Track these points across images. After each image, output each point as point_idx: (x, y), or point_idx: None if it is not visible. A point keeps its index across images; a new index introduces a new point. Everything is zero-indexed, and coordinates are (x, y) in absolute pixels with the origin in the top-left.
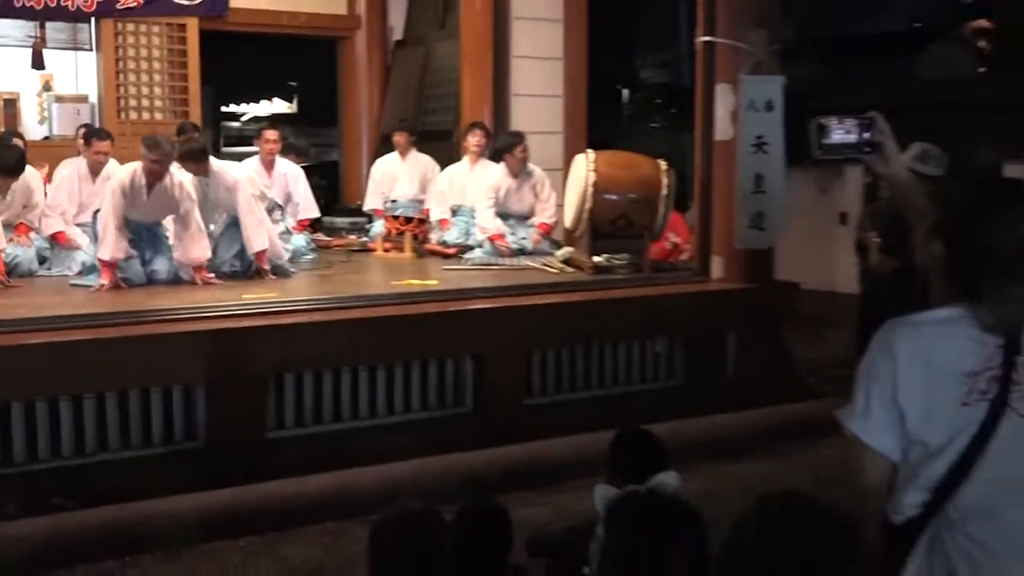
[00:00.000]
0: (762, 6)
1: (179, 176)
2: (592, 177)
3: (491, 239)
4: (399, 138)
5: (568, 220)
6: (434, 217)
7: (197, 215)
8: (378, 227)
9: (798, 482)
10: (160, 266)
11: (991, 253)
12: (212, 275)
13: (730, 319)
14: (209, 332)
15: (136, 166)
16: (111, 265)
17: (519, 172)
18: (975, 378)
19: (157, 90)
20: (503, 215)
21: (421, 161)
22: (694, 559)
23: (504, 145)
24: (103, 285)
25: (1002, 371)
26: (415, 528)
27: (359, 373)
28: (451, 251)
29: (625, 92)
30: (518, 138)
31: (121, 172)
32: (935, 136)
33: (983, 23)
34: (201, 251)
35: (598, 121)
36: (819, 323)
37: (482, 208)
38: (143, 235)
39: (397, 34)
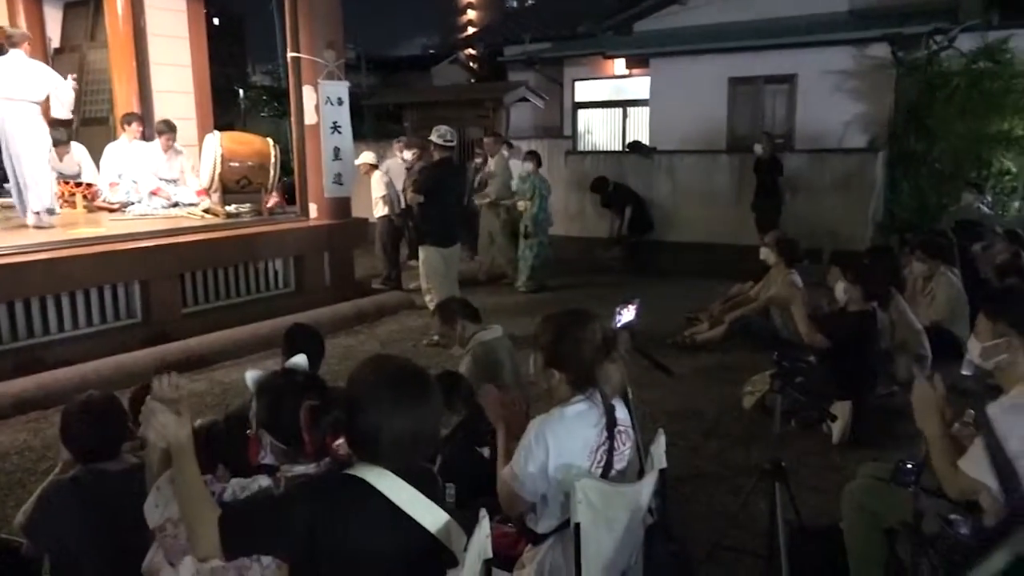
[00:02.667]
0: (331, 33)
1: None
2: (220, 151)
3: (152, 192)
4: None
5: (205, 182)
6: (104, 182)
7: None
8: None
9: (374, 347)
10: None
11: (579, 361)
12: None
13: (324, 245)
14: None
15: None
16: None
17: (168, 149)
18: (595, 452)
19: None
20: (160, 179)
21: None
22: (318, 409)
23: (159, 129)
24: None
25: (608, 444)
26: (95, 410)
27: (51, 299)
28: (116, 207)
29: (241, 91)
30: (170, 127)
31: None
32: (447, 121)
33: (471, 52)
34: None
35: (222, 112)
36: (369, 244)
37: (146, 173)
38: None
39: (55, 43)
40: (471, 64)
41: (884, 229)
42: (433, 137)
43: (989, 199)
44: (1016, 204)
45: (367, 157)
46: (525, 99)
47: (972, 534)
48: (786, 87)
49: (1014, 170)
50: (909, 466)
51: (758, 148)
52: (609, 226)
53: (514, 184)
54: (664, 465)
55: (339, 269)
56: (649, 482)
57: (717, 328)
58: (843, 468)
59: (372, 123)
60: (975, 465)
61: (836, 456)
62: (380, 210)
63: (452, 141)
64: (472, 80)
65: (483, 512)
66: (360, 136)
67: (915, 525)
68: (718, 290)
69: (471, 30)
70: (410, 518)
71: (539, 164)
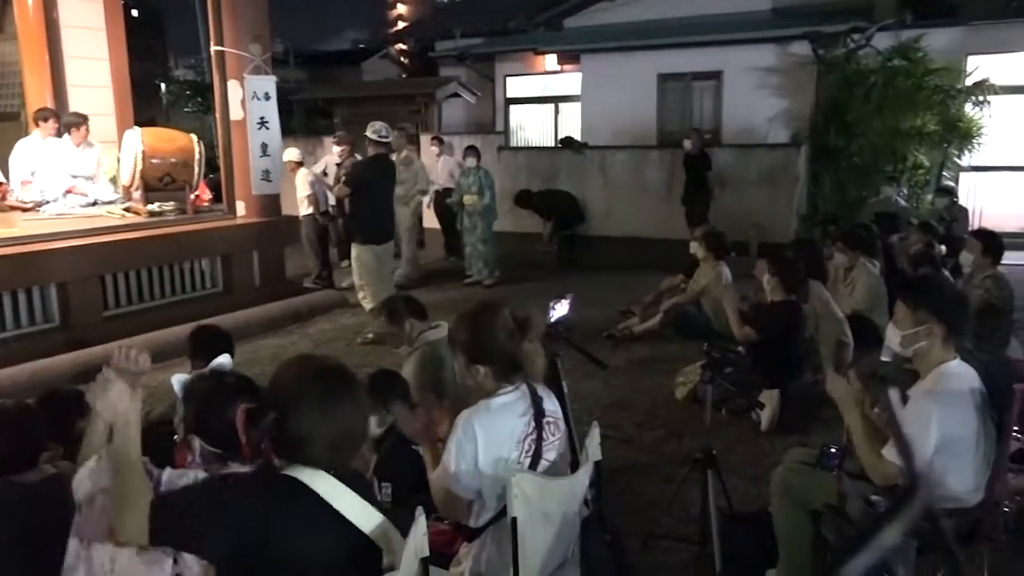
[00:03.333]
0: (257, 27)
1: None
2: (141, 148)
3: (67, 191)
4: None
5: (125, 179)
6: (15, 180)
7: None
8: None
9: (307, 347)
10: None
11: (499, 350)
12: None
13: (254, 243)
14: None
15: None
16: None
17: (81, 143)
18: (523, 442)
19: None
20: (73, 176)
21: None
22: (254, 411)
23: (69, 123)
24: None
25: (536, 433)
26: (9, 420)
27: None
28: (29, 206)
29: (163, 86)
30: (81, 118)
31: None
32: (378, 116)
33: (402, 47)
34: None
35: (143, 107)
36: (300, 242)
37: (59, 170)
38: None
39: None
40: (402, 59)
41: (808, 221)
42: (368, 133)
43: (905, 192)
44: (929, 196)
45: (292, 154)
46: (457, 95)
47: None
48: (713, 83)
49: (927, 164)
50: (833, 450)
51: (687, 143)
52: (542, 225)
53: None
54: (599, 457)
55: (269, 268)
56: (584, 474)
57: (653, 319)
58: (771, 454)
59: (301, 119)
60: (896, 452)
61: (765, 443)
62: (305, 209)
63: (387, 137)
64: (403, 75)
65: (419, 510)
66: (289, 132)
67: (839, 507)
68: (650, 283)
69: (401, 25)
70: (346, 520)
71: (479, 158)
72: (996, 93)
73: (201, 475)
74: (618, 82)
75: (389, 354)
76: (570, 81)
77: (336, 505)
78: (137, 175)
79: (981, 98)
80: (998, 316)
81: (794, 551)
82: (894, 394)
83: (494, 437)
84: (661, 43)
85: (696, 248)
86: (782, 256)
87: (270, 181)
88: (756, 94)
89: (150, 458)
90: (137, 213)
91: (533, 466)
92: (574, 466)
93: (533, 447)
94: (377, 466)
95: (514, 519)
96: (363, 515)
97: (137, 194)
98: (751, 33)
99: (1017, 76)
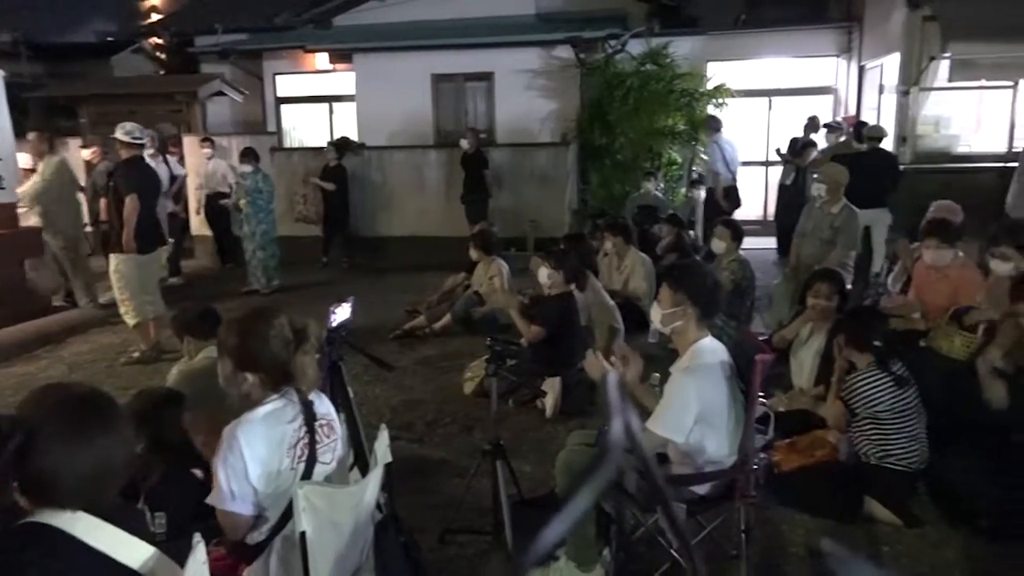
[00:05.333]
0: None
1: None
2: None
3: None
4: None
5: None
6: None
7: None
8: None
9: (60, 372)
10: None
11: (271, 358)
12: None
13: None
14: None
15: None
16: None
17: None
18: (294, 448)
19: None
20: None
21: None
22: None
23: None
24: None
25: (309, 437)
26: None
27: None
28: None
29: None
30: None
31: None
32: (133, 116)
33: (157, 41)
34: None
35: None
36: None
37: None
38: None
39: None
40: (158, 54)
41: (579, 216)
42: (118, 135)
43: (662, 186)
44: (682, 190)
45: (21, 160)
46: (222, 93)
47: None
48: (485, 84)
49: (679, 160)
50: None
51: (464, 143)
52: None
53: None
54: (389, 460)
55: (9, 285)
56: (375, 479)
57: (445, 317)
58: (556, 438)
59: (39, 118)
60: (661, 424)
61: (550, 428)
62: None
63: (141, 139)
64: (160, 72)
65: (197, 537)
66: (23, 133)
67: (618, 482)
68: (434, 282)
69: (155, 17)
70: (112, 559)
71: (258, 160)
72: (732, 96)
73: None
74: (392, 82)
75: (158, 373)
76: (344, 80)
77: (97, 545)
78: None
79: (720, 100)
80: (744, 295)
81: (580, 528)
82: (612, 378)
83: (262, 448)
84: (433, 44)
85: (471, 250)
86: (560, 250)
87: (3, 188)
88: (526, 95)
89: None
90: None
91: (308, 471)
92: (364, 470)
93: (307, 452)
94: (149, 495)
95: (303, 533)
96: (129, 551)
97: None
98: (517, 37)
99: (749, 81)
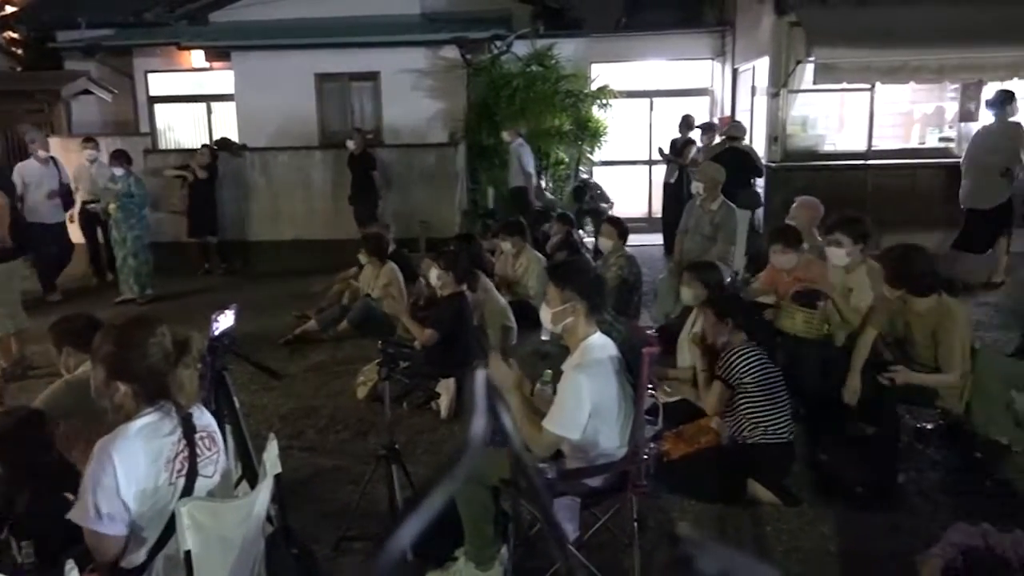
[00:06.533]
0: None
1: None
2: None
3: None
4: None
5: None
6: None
7: None
8: None
9: None
10: None
11: (149, 370)
12: None
13: None
14: None
15: None
16: None
17: None
18: (172, 462)
19: None
20: None
21: None
22: None
23: None
24: None
25: (189, 450)
26: None
27: None
28: None
29: None
30: None
31: None
32: None
33: (13, 35)
34: None
35: None
36: None
37: None
38: None
39: None
40: (13, 49)
41: (470, 216)
42: None
43: (551, 185)
44: (570, 189)
45: None
46: (89, 92)
47: (558, 476)
48: (371, 84)
49: (567, 160)
50: (504, 428)
51: (350, 144)
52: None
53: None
54: (279, 470)
55: None
56: (264, 490)
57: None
58: (451, 439)
59: None
60: (557, 423)
61: (445, 430)
62: None
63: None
64: (17, 68)
65: (70, 565)
66: None
67: (514, 480)
68: (322, 286)
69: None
70: None
71: (130, 163)
72: (615, 97)
73: None
74: (274, 81)
75: (25, 392)
76: (223, 79)
77: None
78: None
79: (604, 101)
80: (632, 291)
81: (478, 527)
82: (480, 376)
83: (136, 464)
84: (316, 43)
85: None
86: (450, 251)
87: None
88: (413, 95)
89: None
90: None
91: (190, 486)
92: (253, 483)
93: (187, 465)
94: (13, 524)
95: (188, 552)
96: None
97: None
98: (403, 36)
99: (631, 82)
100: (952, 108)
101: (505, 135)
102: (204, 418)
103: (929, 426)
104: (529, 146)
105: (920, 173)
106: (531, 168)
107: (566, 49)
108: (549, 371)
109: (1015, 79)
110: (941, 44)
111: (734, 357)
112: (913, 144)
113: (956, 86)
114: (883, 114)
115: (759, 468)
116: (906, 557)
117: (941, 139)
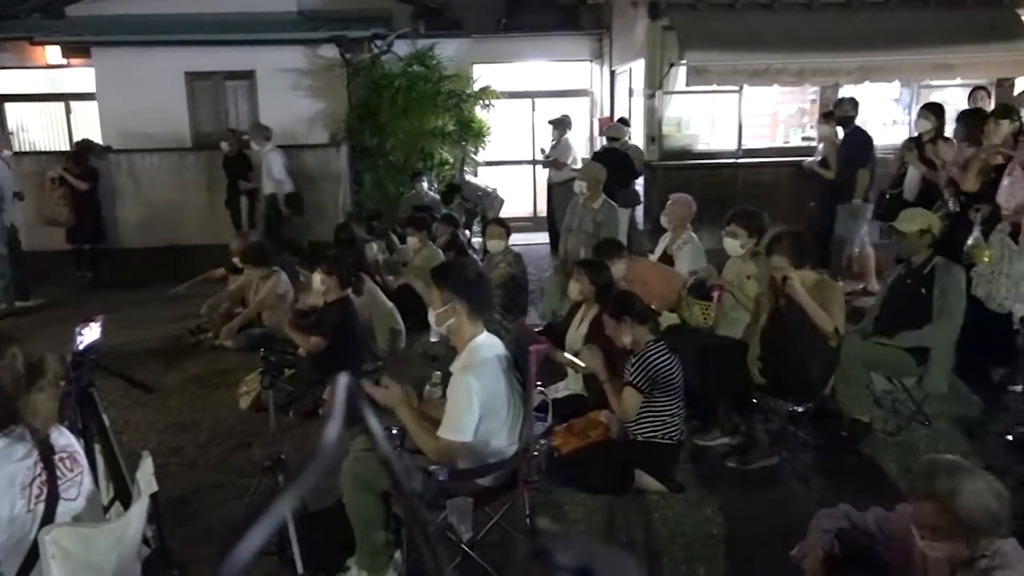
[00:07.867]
0: None
1: None
2: None
3: None
4: None
5: None
6: None
7: None
8: None
9: None
10: None
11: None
12: None
13: None
14: None
15: None
16: None
17: None
18: (29, 487)
19: None
20: None
21: None
22: None
23: None
24: None
25: (47, 473)
26: None
27: None
28: None
29: None
30: None
31: None
32: None
33: None
34: None
35: None
36: None
37: None
38: None
39: None
40: None
41: (355, 218)
42: None
43: (436, 186)
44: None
45: None
46: None
47: (450, 477)
48: (247, 83)
49: (451, 160)
50: (394, 432)
51: (225, 145)
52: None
53: None
54: (155, 489)
55: None
56: (138, 511)
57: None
58: (341, 446)
59: None
60: (451, 429)
61: None
62: None
63: None
64: None
65: None
66: None
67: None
68: (201, 293)
69: None
70: None
71: None
72: (498, 97)
73: None
74: (140, 80)
75: None
76: (83, 77)
77: None
78: None
79: (486, 101)
80: (520, 289)
81: (370, 533)
82: (342, 380)
83: None
84: (185, 39)
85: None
86: (333, 255)
87: None
88: (291, 95)
89: None
90: None
91: (50, 511)
92: (127, 504)
93: (45, 490)
94: None
95: None
96: None
97: None
98: (279, 34)
99: (513, 83)
100: (813, 110)
101: (253, 144)
102: (63, 438)
103: (800, 409)
104: (280, 151)
105: (783, 171)
106: (281, 175)
107: (447, 49)
108: (438, 373)
109: (866, 82)
110: (801, 49)
111: (647, 359)
112: (779, 143)
113: (815, 89)
114: (751, 115)
115: (648, 462)
116: (783, 534)
117: (804, 138)
